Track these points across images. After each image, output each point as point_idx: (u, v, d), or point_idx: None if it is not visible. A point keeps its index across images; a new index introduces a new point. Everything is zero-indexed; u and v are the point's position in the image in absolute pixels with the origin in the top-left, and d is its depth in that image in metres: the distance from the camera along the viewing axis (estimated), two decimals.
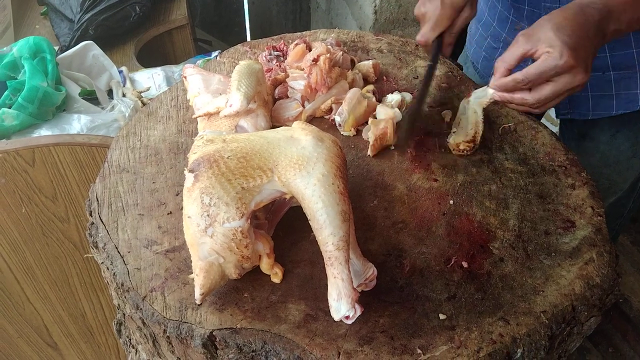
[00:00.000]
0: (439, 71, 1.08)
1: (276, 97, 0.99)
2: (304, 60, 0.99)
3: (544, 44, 0.76)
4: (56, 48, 1.73)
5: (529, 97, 0.80)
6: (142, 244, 0.77)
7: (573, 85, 0.77)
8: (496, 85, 0.84)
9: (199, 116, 0.90)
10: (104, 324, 1.54)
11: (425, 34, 0.92)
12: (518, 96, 0.82)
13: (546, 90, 0.78)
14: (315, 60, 0.96)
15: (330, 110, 0.97)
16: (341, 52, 1.01)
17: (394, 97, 0.95)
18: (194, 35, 2.37)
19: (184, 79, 1.01)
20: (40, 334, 1.50)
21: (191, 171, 0.67)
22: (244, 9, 3.14)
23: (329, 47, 1.02)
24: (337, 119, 0.94)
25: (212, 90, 0.95)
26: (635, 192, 1.17)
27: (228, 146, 0.69)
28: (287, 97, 0.99)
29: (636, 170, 1.12)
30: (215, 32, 3.19)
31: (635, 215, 2.33)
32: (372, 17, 2.38)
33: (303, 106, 0.97)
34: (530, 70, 0.78)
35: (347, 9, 2.62)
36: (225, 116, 0.86)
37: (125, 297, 0.72)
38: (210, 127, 0.86)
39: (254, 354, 0.64)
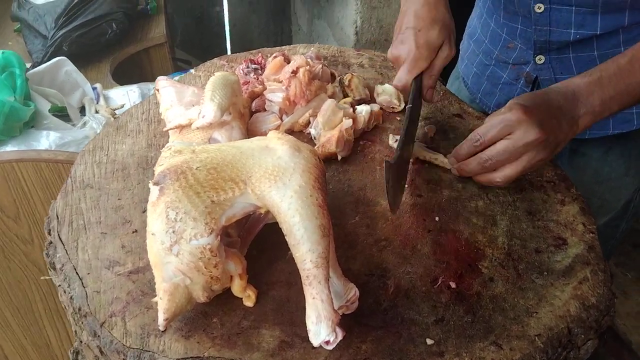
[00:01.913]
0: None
1: (253, 110, 0.95)
2: (282, 72, 0.95)
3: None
4: (28, 65, 1.67)
5: (483, 154, 0.77)
6: (104, 265, 0.70)
7: (527, 140, 0.73)
8: (453, 156, 0.81)
9: (171, 129, 0.85)
10: (70, 355, 1.44)
11: (402, 77, 0.86)
12: (474, 159, 0.78)
13: (500, 145, 0.75)
14: (295, 72, 0.92)
15: (308, 124, 0.93)
16: (320, 65, 0.97)
17: (363, 109, 0.91)
18: (172, 54, 2.33)
19: (156, 91, 0.96)
20: None
21: (156, 184, 0.62)
22: (224, 31, 3.13)
23: (309, 60, 0.98)
24: (313, 132, 0.89)
25: (186, 102, 0.90)
26: (629, 212, 1.14)
27: (197, 157, 0.64)
28: (265, 110, 0.94)
29: (629, 190, 1.09)
30: (195, 53, 3.16)
31: (624, 227, 2.32)
32: (353, 38, 2.38)
33: (281, 119, 0.93)
34: (481, 127, 0.75)
35: (328, 31, 2.62)
36: (197, 128, 0.81)
37: (82, 322, 0.66)
38: (184, 139, 0.81)
39: None
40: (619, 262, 2.16)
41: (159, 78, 0.98)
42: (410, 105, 0.83)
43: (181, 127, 0.84)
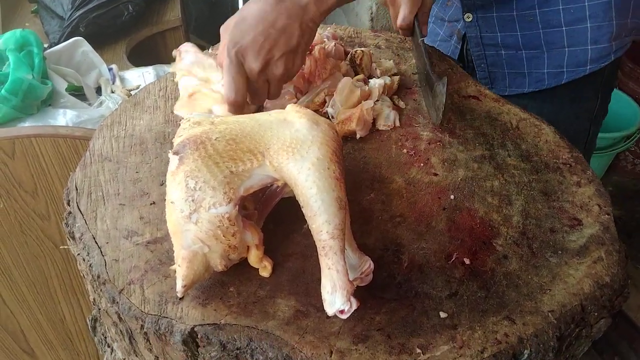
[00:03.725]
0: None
1: None
2: None
3: None
4: (45, 45, 1.69)
5: None
6: (122, 235, 0.72)
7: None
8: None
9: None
10: (84, 330, 1.47)
11: (407, 17, 0.93)
12: None
13: None
14: (310, 50, 0.92)
15: (324, 103, 0.93)
16: (334, 43, 0.97)
17: (376, 82, 0.92)
18: (187, 38, 2.34)
19: (177, 54, 0.94)
20: (16, 339, 1.42)
21: (176, 153, 0.63)
22: None
23: (324, 38, 0.98)
24: (330, 110, 0.89)
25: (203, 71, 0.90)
26: None
27: (216, 128, 0.64)
28: None
29: None
30: (209, 38, 3.16)
31: (630, 230, 2.31)
32: (369, 24, 2.37)
33: (296, 98, 0.93)
34: None
35: (342, 17, 2.61)
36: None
37: (101, 290, 0.67)
38: (190, 108, 0.81)
39: (238, 351, 0.59)
40: (632, 255, 2.14)
41: (185, 44, 0.96)
42: (422, 38, 0.93)
43: (192, 95, 0.84)
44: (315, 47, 0.91)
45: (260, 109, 0.87)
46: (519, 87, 1.14)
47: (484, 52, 1.14)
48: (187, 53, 0.90)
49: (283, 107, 0.89)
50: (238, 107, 0.77)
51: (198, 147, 0.62)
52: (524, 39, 1.09)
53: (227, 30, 0.79)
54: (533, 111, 1.07)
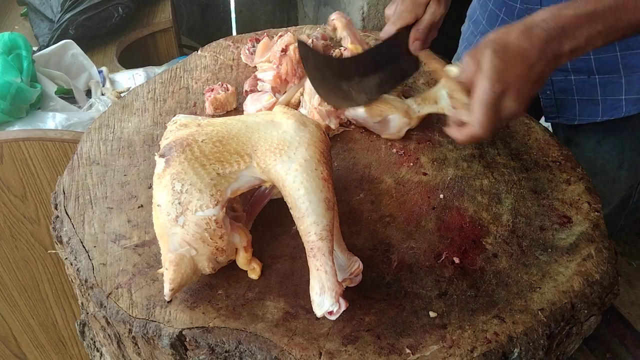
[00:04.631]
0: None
1: (247, 90, 0.94)
2: (271, 51, 0.94)
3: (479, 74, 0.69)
4: (35, 48, 1.67)
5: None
6: (110, 239, 0.71)
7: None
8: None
9: None
10: (77, 334, 1.46)
11: (386, 29, 0.87)
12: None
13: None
14: (284, 51, 0.91)
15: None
16: (311, 40, 0.96)
17: None
18: (179, 40, 2.32)
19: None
20: (7, 344, 1.41)
21: (162, 156, 0.62)
22: (230, 18, 3.11)
23: (314, 37, 0.98)
24: (303, 112, 0.88)
25: None
26: (627, 209, 1.12)
27: (203, 130, 0.64)
28: (257, 90, 0.94)
29: (625, 184, 1.07)
30: (201, 40, 3.15)
31: (621, 224, 2.32)
32: (360, 24, 2.36)
33: (275, 98, 0.92)
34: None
35: None
36: None
37: (88, 294, 0.66)
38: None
39: (227, 354, 0.58)
40: (624, 251, 2.15)
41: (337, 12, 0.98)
42: (380, 42, 0.86)
43: None
44: (290, 47, 0.91)
45: None
46: (591, 115, 1.01)
47: (550, 77, 1.01)
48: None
49: (263, 108, 0.90)
50: (476, 140, 0.71)
51: (184, 150, 0.61)
52: (597, 63, 0.98)
53: (484, 51, 0.68)
54: (611, 145, 0.99)
